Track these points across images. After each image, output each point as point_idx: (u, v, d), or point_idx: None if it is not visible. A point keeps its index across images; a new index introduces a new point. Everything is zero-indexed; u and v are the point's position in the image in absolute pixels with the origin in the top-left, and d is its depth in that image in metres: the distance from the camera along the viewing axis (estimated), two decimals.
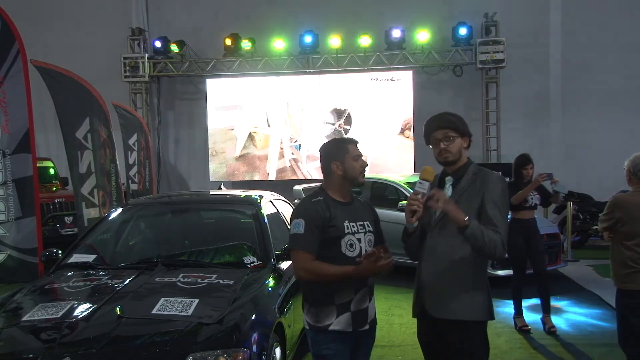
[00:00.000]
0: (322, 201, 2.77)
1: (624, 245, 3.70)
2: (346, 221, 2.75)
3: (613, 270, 3.80)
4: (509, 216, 5.26)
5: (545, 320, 5.47)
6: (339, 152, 2.82)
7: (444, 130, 2.66)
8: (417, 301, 2.77)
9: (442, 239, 2.64)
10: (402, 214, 7.91)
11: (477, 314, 2.63)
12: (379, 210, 3.10)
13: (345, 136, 10.82)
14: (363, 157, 2.86)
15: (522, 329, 5.47)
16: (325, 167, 2.86)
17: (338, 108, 12.65)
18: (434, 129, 2.69)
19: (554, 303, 6.45)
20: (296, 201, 7.46)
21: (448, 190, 2.69)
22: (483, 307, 2.64)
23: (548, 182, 5.52)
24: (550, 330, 5.37)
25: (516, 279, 5.60)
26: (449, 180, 2.72)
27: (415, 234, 2.72)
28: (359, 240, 2.76)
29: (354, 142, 2.87)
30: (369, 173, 3.28)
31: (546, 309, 5.49)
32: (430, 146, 2.73)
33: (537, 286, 5.53)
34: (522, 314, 5.59)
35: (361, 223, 2.80)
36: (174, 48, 12.92)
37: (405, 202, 7.32)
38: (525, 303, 5.82)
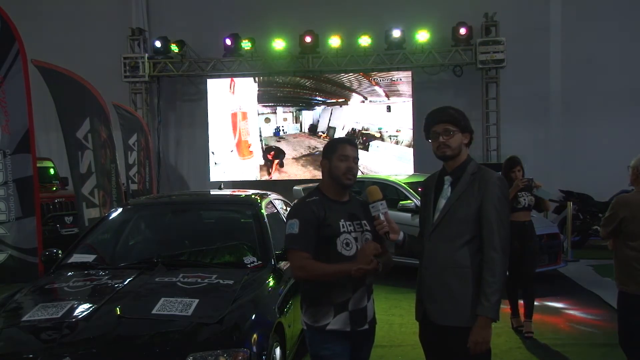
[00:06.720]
0: (317, 200, 2.77)
1: (628, 246, 3.64)
2: (342, 220, 2.73)
3: (616, 272, 3.76)
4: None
5: (525, 325, 5.38)
6: (328, 151, 2.81)
7: (444, 124, 2.61)
8: (418, 306, 2.73)
9: (441, 243, 2.60)
10: (403, 214, 7.95)
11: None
12: None
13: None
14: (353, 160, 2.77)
15: (518, 328, 5.44)
16: (320, 165, 2.88)
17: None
18: (434, 123, 2.65)
19: (554, 304, 6.48)
20: (296, 201, 7.47)
21: (447, 191, 2.64)
22: None
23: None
24: (527, 335, 5.29)
25: (511, 280, 5.50)
26: (447, 179, 2.66)
27: (413, 239, 2.73)
28: (356, 239, 2.74)
29: (347, 143, 2.81)
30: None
31: (528, 314, 5.41)
32: (430, 140, 2.68)
33: (522, 289, 5.44)
34: (518, 314, 5.55)
35: (358, 222, 2.78)
36: (174, 48, 12.89)
37: (405, 202, 7.37)
38: None
